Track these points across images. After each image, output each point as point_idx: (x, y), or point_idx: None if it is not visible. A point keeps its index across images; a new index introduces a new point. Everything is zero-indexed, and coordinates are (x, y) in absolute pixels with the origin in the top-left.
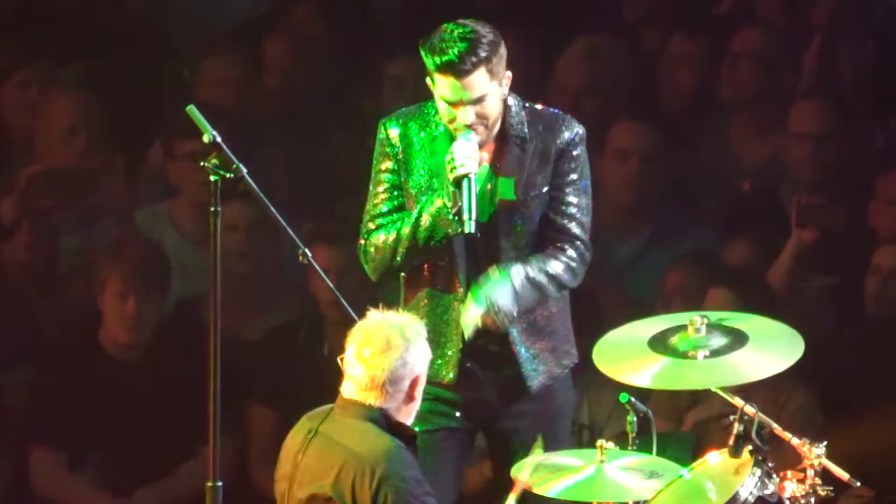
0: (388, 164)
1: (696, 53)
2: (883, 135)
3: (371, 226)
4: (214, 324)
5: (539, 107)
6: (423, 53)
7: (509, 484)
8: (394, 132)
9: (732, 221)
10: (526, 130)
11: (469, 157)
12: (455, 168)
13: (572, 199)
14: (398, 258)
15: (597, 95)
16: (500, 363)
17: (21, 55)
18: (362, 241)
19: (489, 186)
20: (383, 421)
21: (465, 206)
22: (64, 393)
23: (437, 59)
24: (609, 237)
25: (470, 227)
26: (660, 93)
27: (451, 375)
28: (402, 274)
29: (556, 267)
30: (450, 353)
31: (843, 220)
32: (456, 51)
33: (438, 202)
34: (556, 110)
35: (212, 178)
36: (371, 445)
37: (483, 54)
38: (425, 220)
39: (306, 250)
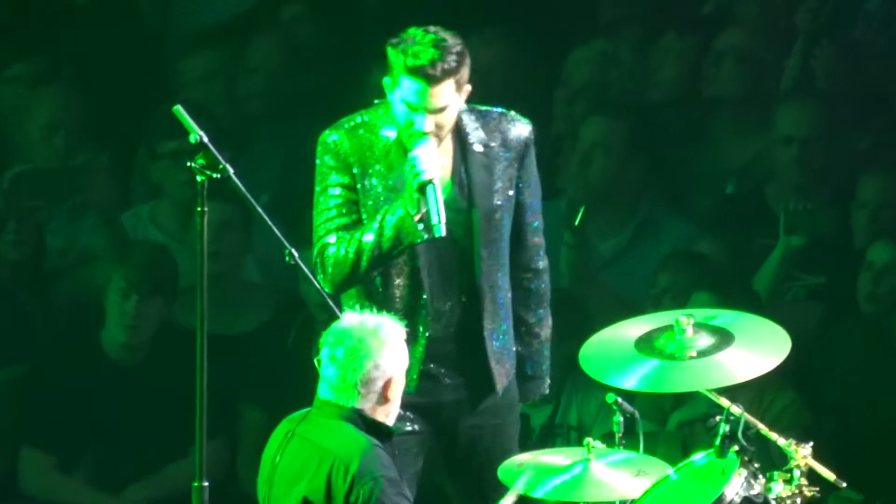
0: (342, 179)
1: (682, 52)
2: (867, 136)
3: (327, 240)
4: (201, 323)
5: (483, 108)
6: (391, 52)
7: (469, 482)
8: (344, 146)
9: (717, 221)
10: (484, 135)
11: (431, 162)
12: (418, 174)
13: (536, 206)
14: (361, 270)
15: (582, 94)
16: (464, 368)
17: (2, 54)
18: (317, 258)
19: (460, 197)
20: (359, 420)
21: (433, 211)
22: (53, 393)
23: (410, 61)
24: (591, 235)
25: (439, 230)
26: (642, 91)
27: (412, 385)
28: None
29: (548, 319)
30: (412, 361)
31: (830, 223)
32: (429, 56)
33: (400, 210)
34: (500, 109)
35: (198, 178)
36: (346, 444)
37: (454, 64)
38: (388, 229)
39: (293, 250)
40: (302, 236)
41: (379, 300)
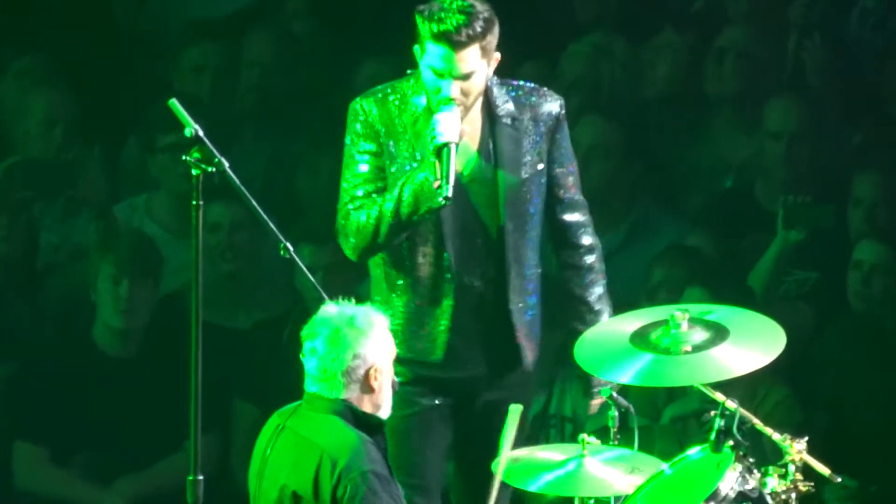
0: (369, 146)
1: (677, 48)
2: (858, 133)
3: (351, 206)
4: (196, 318)
5: (516, 82)
6: (419, 20)
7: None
8: (373, 113)
9: (712, 217)
10: (513, 108)
11: (451, 127)
12: (435, 137)
13: (572, 181)
14: (381, 237)
15: (579, 91)
16: (490, 342)
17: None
18: (341, 223)
19: (487, 169)
20: (348, 413)
21: (444, 173)
22: (46, 387)
23: (435, 27)
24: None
25: (446, 190)
26: (638, 89)
27: (438, 354)
28: (382, 253)
29: (599, 288)
30: (436, 332)
31: (829, 217)
32: (454, 21)
33: (420, 176)
34: (532, 84)
35: (193, 172)
36: (334, 439)
37: (479, 30)
38: (407, 194)
39: (288, 245)
40: (293, 232)
41: (406, 270)
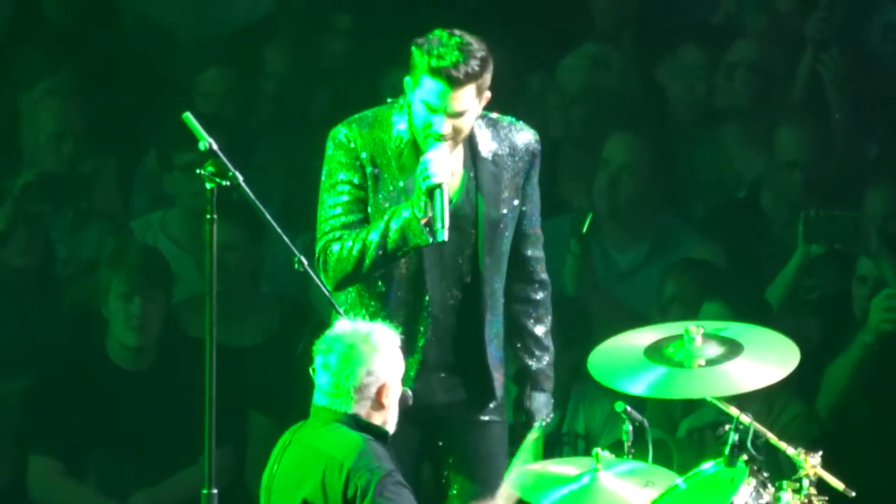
0: (353, 176)
1: (693, 64)
2: (874, 145)
3: (330, 236)
4: (210, 331)
5: (494, 116)
6: (416, 52)
7: (457, 479)
8: (358, 141)
9: (725, 230)
10: (494, 144)
11: (442, 167)
12: (428, 178)
13: (537, 219)
14: (363, 269)
15: (592, 104)
16: (461, 372)
17: (15, 61)
18: (319, 252)
19: (467, 204)
20: (353, 422)
21: (438, 215)
22: (62, 399)
23: (434, 62)
24: (609, 247)
25: (442, 235)
26: (657, 103)
27: (408, 383)
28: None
29: (547, 324)
30: (410, 360)
31: (850, 231)
32: (454, 58)
33: (407, 212)
34: (510, 118)
35: (207, 185)
36: (339, 442)
37: (477, 69)
38: (394, 229)
39: (302, 258)
40: (308, 245)
41: (380, 301)
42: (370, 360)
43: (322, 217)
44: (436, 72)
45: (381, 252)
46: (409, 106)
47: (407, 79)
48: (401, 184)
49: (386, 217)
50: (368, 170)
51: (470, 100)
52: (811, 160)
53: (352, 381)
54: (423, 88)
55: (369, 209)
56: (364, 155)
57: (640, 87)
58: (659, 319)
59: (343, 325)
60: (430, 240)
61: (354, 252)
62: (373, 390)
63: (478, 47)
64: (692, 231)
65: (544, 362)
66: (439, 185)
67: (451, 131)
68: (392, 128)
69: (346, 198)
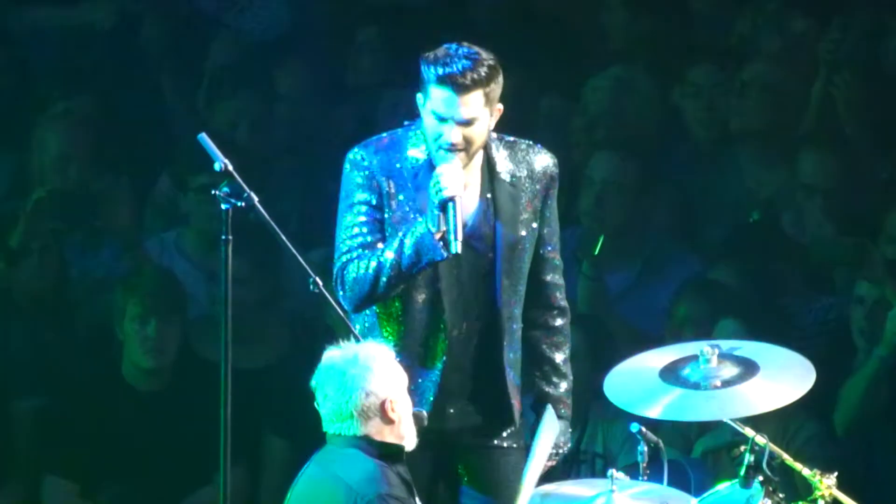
0: (370, 197)
1: (707, 84)
2: (888, 166)
3: (347, 257)
4: (225, 351)
5: (511, 139)
6: (423, 65)
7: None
8: (374, 164)
9: (739, 250)
10: (512, 165)
11: (454, 181)
12: (440, 191)
13: (556, 243)
14: (380, 288)
15: (614, 125)
16: (479, 396)
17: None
18: (338, 273)
19: (485, 226)
20: (367, 445)
21: (451, 228)
22: (76, 420)
23: (441, 70)
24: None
25: (455, 247)
26: (662, 121)
27: (426, 406)
28: (375, 306)
29: (566, 351)
30: (427, 383)
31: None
32: (459, 65)
33: (421, 227)
34: (527, 140)
35: (223, 206)
36: (353, 469)
37: (483, 75)
38: (408, 246)
39: (317, 279)
40: (323, 263)
41: (399, 324)
42: (365, 381)
43: (340, 238)
44: (442, 80)
45: (396, 270)
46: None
47: (418, 95)
48: (417, 204)
49: (401, 234)
50: (385, 191)
51: (478, 107)
52: (829, 183)
53: (352, 406)
54: (431, 99)
55: (387, 229)
56: (380, 177)
57: (655, 108)
58: (669, 340)
59: (331, 355)
60: (445, 254)
61: (370, 271)
62: (376, 409)
63: (486, 57)
64: (689, 250)
65: (562, 389)
66: (452, 199)
67: (462, 140)
68: (408, 150)
69: (363, 218)
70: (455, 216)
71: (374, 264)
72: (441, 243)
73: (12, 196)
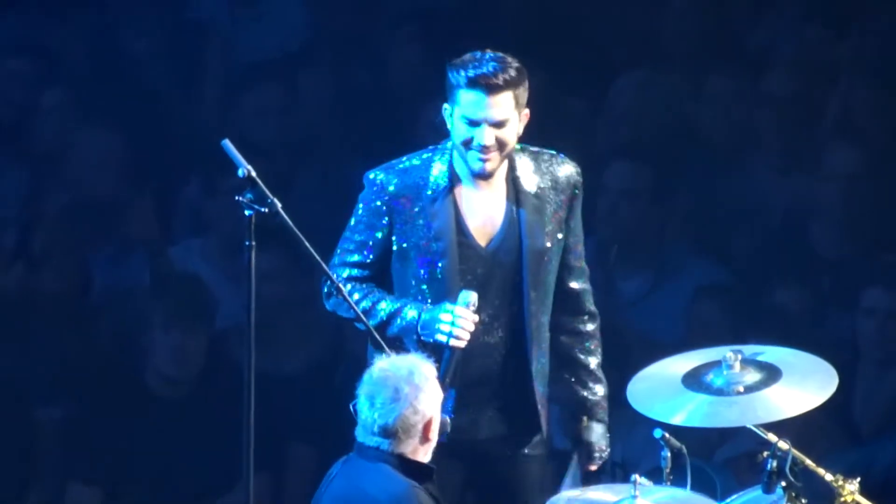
0: (374, 221)
1: (725, 92)
2: None
3: (341, 271)
4: (249, 358)
5: (535, 149)
6: (451, 72)
7: None
8: (391, 188)
9: (757, 258)
10: (536, 176)
11: (466, 332)
12: (448, 337)
13: (581, 251)
14: (361, 325)
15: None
16: (507, 406)
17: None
18: (331, 284)
19: (512, 238)
20: (399, 462)
21: (443, 371)
22: (100, 427)
23: (472, 72)
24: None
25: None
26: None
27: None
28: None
29: (599, 356)
30: (448, 394)
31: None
32: (490, 66)
33: (413, 319)
34: (551, 150)
35: (246, 212)
36: (386, 488)
37: (514, 75)
38: (395, 326)
39: (340, 285)
40: None
41: None
42: (416, 399)
43: (338, 248)
44: (473, 82)
45: (380, 331)
46: (448, 151)
47: (445, 105)
48: (431, 232)
49: (399, 307)
50: (397, 217)
51: (509, 109)
52: (851, 188)
53: (399, 423)
54: (461, 105)
55: (401, 248)
56: (396, 201)
57: (674, 114)
58: (688, 347)
59: (383, 366)
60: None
61: (360, 306)
62: (419, 428)
63: (512, 60)
64: (703, 257)
65: (599, 394)
66: (455, 348)
67: (494, 143)
68: (430, 174)
69: (362, 238)
70: (451, 364)
71: (365, 305)
72: (421, 345)
73: (34, 202)
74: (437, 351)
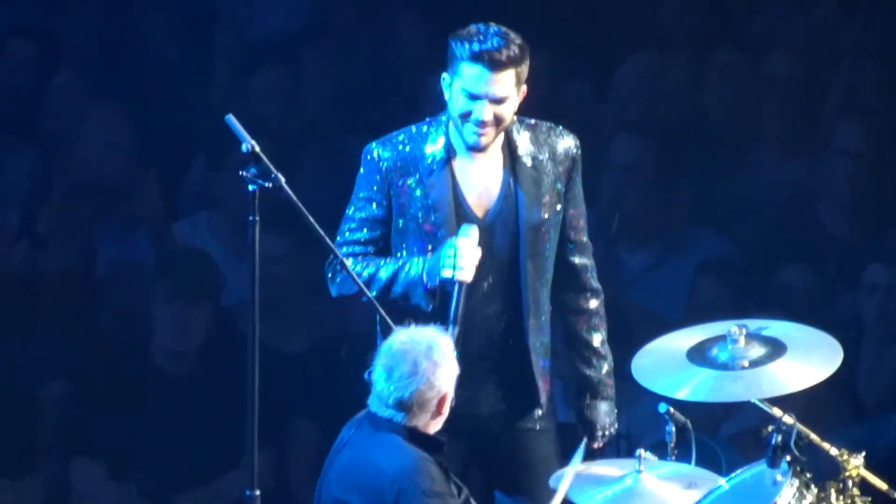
0: (375, 195)
1: (729, 71)
2: None
3: (344, 249)
4: (252, 333)
5: (532, 121)
6: (454, 43)
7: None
8: (388, 161)
9: (760, 237)
10: (533, 147)
11: (471, 264)
12: (453, 271)
13: (583, 224)
14: (365, 297)
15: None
16: (506, 380)
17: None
18: (332, 262)
19: (508, 210)
20: (409, 435)
21: (451, 313)
22: (105, 402)
23: (476, 46)
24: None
25: (453, 333)
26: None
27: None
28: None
29: (603, 333)
30: None
31: None
32: (495, 41)
33: (417, 273)
34: (548, 123)
35: (250, 187)
36: (395, 460)
37: (517, 52)
38: (399, 284)
39: (344, 260)
40: None
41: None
42: (433, 374)
43: (342, 227)
44: (477, 56)
45: (384, 294)
46: (444, 123)
47: (444, 74)
48: (429, 201)
49: (401, 262)
50: (395, 188)
51: (510, 86)
52: (858, 170)
53: (415, 398)
54: (462, 77)
55: (399, 222)
56: (393, 174)
57: (681, 94)
58: (690, 322)
59: (402, 338)
60: (429, 309)
61: (363, 277)
62: (434, 403)
63: (515, 36)
64: (710, 233)
65: (603, 371)
66: (461, 282)
67: (492, 119)
68: (426, 145)
69: (362, 214)
70: (459, 301)
71: (367, 273)
72: (429, 295)
73: (41, 180)
74: (444, 301)
